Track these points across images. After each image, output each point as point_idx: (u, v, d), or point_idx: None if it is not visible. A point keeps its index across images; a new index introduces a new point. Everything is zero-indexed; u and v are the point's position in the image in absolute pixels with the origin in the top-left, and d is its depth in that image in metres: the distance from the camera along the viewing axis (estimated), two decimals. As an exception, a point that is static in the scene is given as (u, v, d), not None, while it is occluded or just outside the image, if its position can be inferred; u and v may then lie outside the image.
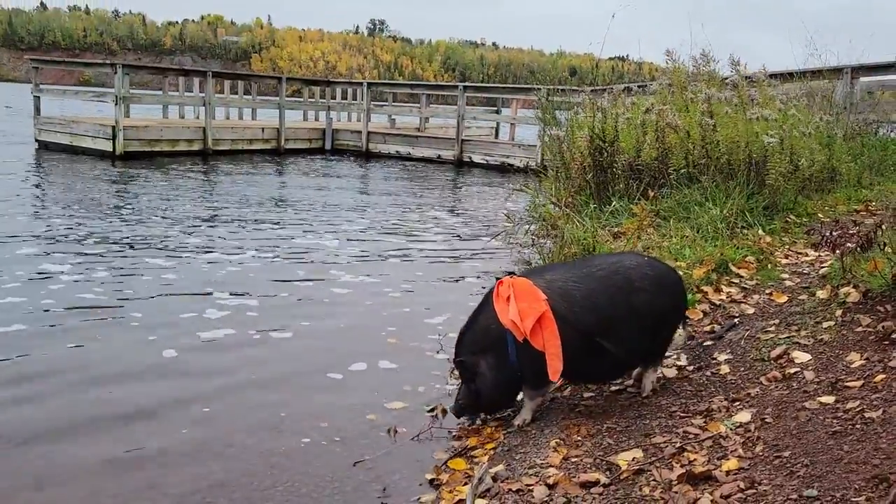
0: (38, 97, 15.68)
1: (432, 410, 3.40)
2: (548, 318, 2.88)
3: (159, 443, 3.07)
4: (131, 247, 6.60)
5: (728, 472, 2.34)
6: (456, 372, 3.41)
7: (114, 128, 13.98)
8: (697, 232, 4.68)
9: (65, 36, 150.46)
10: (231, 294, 5.22)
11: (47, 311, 4.70)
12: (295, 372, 3.91)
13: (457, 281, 5.92)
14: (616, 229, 4.98)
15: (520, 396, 3.17)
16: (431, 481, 2.78)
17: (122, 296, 5.10)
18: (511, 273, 3.14)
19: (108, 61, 15.63)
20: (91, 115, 17.13)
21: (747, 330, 3.52)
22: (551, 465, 2.65)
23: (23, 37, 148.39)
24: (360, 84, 19.64)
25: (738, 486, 2.21)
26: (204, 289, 5.33)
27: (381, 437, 3.19)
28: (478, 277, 6.03)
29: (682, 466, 2.45)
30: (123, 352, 4.09)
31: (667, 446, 2.62)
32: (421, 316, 4.93)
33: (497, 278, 3.11)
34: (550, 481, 2.52)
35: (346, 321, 4.80)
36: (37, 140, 15.57)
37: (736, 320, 3.65)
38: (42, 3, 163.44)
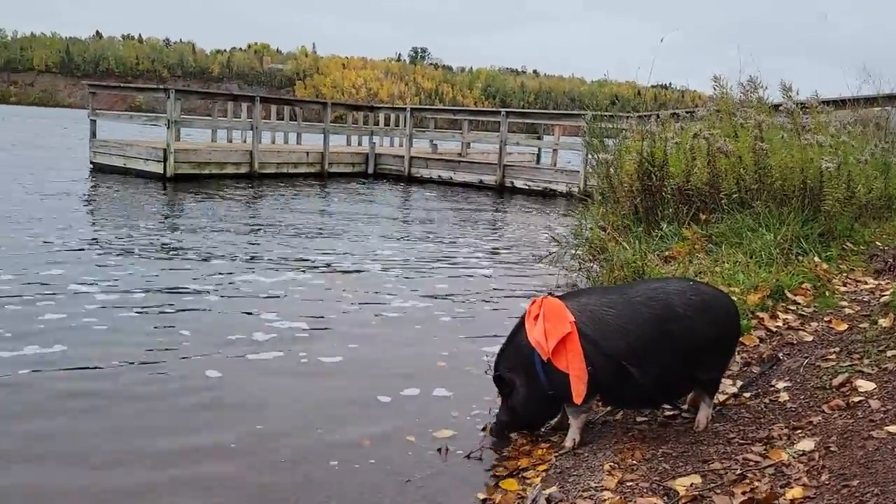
0: (94, 121, 16.21)
1: (484, 429, 3.38)
2: (572, 341, 2.86)
3: (204, 459, 3.09)
4: (177, 267, 6.72)
5: (793, 501, 2.27)
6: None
7: (165, 151, 14.35)
8: (751, 258, 4.60)
9: (118, 63, 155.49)
10: (278, 316, 5.25)
11: (89, 328, 4.77)
12: (343, 395, 3.90)
13: (506, 307, 5.88)
14: (666, 253, 4.93)
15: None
16: (483, 501, 2.76)
17: (167, 316, 5.16)
18: (550, 294, 3.13)
19: (161, 86, 16.09)
20: (142, 139, 17.62)
21: (806, 357, 3.43)
22: (606, 489, 2.60)
23: (79, 64, 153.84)
24: (403, 110, 19.88)
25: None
26: (251, 310, 5.38)
27: (432, 457, 3.17)
28: (527, 301, 5.98)
29: (743, 493, 2.38)
30: (168, 371, 4.11)
31: (726, 473, 2.55)
32: (471, 340, 4.90)
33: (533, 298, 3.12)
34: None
35: (397, 346, 4.78)
36: (92, 162, 16.06)
37: (780, 354, 3.56)
38: (98, 32, 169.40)
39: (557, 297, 3.09)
